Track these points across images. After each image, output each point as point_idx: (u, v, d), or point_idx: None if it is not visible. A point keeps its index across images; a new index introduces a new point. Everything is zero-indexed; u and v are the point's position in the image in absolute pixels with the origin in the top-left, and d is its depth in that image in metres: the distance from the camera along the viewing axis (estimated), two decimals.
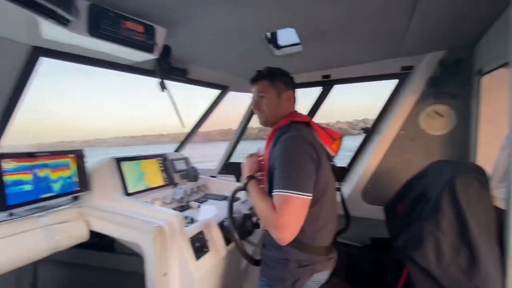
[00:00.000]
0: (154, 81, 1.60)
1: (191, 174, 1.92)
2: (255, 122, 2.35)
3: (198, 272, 1.22)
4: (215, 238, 1.40)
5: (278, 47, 1.47)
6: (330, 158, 1.16)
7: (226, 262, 1.44)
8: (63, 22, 0.84)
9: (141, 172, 1.65)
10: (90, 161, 1.50)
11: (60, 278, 2.07)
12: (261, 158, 1.19)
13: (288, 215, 0.89)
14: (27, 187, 1.19)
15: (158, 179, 1.76)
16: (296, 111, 1.22)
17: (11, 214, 1.14)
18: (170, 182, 1.83)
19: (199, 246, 1.29)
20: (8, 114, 1.26)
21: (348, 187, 1.85)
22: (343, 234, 1.31)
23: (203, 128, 2.33)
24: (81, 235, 1.29)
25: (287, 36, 1.41)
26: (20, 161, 1.18)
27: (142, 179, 1.64)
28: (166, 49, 1.18)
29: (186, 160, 2.07)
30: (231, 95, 2.15)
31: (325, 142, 1.11)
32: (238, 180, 2.20)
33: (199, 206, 1.66)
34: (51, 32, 1.05)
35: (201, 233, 1.35)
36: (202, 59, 1.60)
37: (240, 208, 1.62)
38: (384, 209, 1.56)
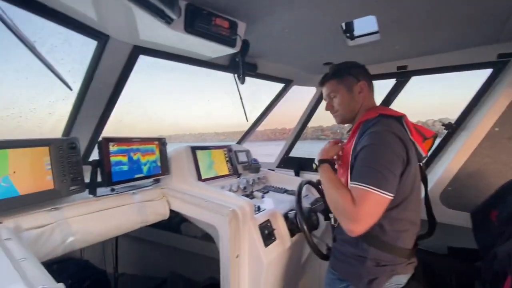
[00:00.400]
0: (212, 82, 1.71)
1: (254, 166, 1.99)
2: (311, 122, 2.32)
3: (267, 258, 1.27)
4: (281, 228, 1.43)
5: (353, 37, 1.41)
6: (420, 158, 1.07)
7: (290, 252, 1.46)
8: (168, 20, 0.96)
9: (211, 161, 1.78)
10: (170, 149, 1.67)
11: (134, 250, 2.38)
12: (342, 145, 1.15)
13: (367, 210, 0.87)
14: (124, 167, 1.39)
15: (224, 168, 1.87)
16: (380, 105, 1.16)
17: (112, 190, 1.35)
18: (234, 172, 1.93)
19: (267, 234, 1.34)
20: (111, 106, 1.48)
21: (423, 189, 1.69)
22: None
23: (259, 127, 2.39)
24: (164, 213, 1.45)
25: (364, 24, 1.34)
26: (120, 144, 1.38)
27: (212, 167, 1.76)
28: (245, 44, 1.24)
29: (247, 152, 2.16)
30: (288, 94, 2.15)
31: (416, 141, 1.03)
32: (297, 174, 2.20)
33: (263, 197, 1.71)
34: (147, 32, 1.21)
35: (268, 221, 1.39)
36: (272, 53, 1.63)
37: (303, 202, 1.62)
38: (472, 215, 1.38)
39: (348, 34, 1.37)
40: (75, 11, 1.04)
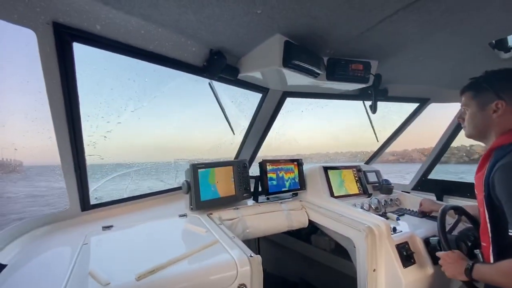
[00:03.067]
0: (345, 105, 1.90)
1: (385, 187, 2.00)
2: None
3: (405, 279, 1.30)
4: (421, 253, 1.40)
5: (508, 50, 1.27)
6: None
7: (433, 281, 1.39)
8: (315, 75, 1.29)
9: (341, 180, 1.97)
10: (304, 168, 2.01)
11: (271, 252, 2.82)
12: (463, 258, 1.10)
13: None
14: (274, 182, 1.83)
15: (354, 187, 2.00)
16: None
17: (268, 198, 1.80)
18: (364, 191, 2.01)
19: (406, 255, 1.36)
20: (265, 135, 1.99)
21: None
22: None
23: (401, 147, 2.34)
24: (304, 221, 1.76)
25: None
26: (272, 164, 1.83)
27: (343, 186, 1.94)
28: (377, 77, 1.40)
29: (377, 172, 2.18)
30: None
31: None
32: (439, 198, 1.99)
33: (398, 219, 1.71)
34: (293, 81, 1.60)
35: (406, 243, 1.41)
36: (404, 77, 1.67)
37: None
38: None
39: (499, 48, 1.26)
40: (253, 78, 1.57)
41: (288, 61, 1.12)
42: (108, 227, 1.32)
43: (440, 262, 1.19)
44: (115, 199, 1.55)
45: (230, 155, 2.11)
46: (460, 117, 1.16)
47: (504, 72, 1.04)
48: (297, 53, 1.12)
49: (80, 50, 0.94)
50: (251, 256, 1.02)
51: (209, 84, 1.46)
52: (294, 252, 2.60)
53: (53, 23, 0.88)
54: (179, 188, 1.78)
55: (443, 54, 1.34)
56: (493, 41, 1.22)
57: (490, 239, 0.99)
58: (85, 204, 1.42)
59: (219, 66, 1.23)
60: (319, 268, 2.33)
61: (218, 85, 1.50)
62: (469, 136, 1.14)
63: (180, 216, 1.50)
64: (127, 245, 1.14)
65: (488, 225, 0.99)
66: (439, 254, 1.22)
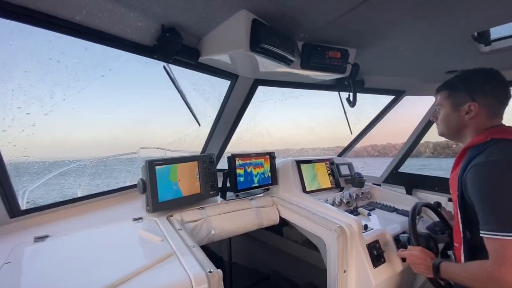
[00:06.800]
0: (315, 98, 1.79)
1: (357, 180, 1.96)
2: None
3: (375, 279, 1.26)
4: (391, 251, 1.38)
5: (488, 42, 1.21)
6: None
7: (401, 278, 1.39)
8: (288, 63, 1.13)
9: (314, 173, 1.89)
10: (277, 162, 1.89)
11: (243, 246, 2.76)
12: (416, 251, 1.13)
13: None
14: (242, 179, 1.69)
15: (326, 181, 1.94)
16: (502, 125, 0.97)
17: (237, 195, 1.66)
18: (336, 185, 1.96)
19: (376, 255, 1.33)
20: (234, 127, 1.82)
21: None
22: None
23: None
24: (275, 219, 1.67)
25: (505, 28, 1.13)
26: (240, 159, 1.68)
27: (315, 179, 1.87)
28: (355, 67, 1.29)
29: (349, 165, 2.14)
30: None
31: None
32: (409, 192, 2.00)
33: (369, 214, 1.68)
34: (265, 68, 1.43)
35: (377, 242, 1.38)
36: (382, 68, 1.58)
37: (418, 226, 1.49)
38: None
39: (480, 41, 1.19)
40: (220, 63, 1.37)
41: (256, 44, 0.95)
42: (42, 238, 1.10)
43: (405, 256, 1.22)
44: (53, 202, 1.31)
45: (197, 149, 1.92)
46: (434, 116, 1.14)
47: (479, 72, 1.00)
48: (267, 35, 0.95)
49: None
50: (210, 271, 0.89)
51: (164, 67, 1.25)
52: (266, 244, 2.55)
53: None
54: (136, 186, 1.58)
55: (423, 45, 1.25)
56: (475, 33, 1.15)
57: (462, 240, 0.98)
58: (14, 210, 1.18)
59: (173, 47, 1.01)
60: (292, 260, 2.30)
61: (177, 70, 1.29)
62: (441, 134, 1.13)
63: (135, 219, 1.32)
64: (63, 261, 0.95)
65: (460, 225, 0.98)
66: (403, 253, 1.24)
